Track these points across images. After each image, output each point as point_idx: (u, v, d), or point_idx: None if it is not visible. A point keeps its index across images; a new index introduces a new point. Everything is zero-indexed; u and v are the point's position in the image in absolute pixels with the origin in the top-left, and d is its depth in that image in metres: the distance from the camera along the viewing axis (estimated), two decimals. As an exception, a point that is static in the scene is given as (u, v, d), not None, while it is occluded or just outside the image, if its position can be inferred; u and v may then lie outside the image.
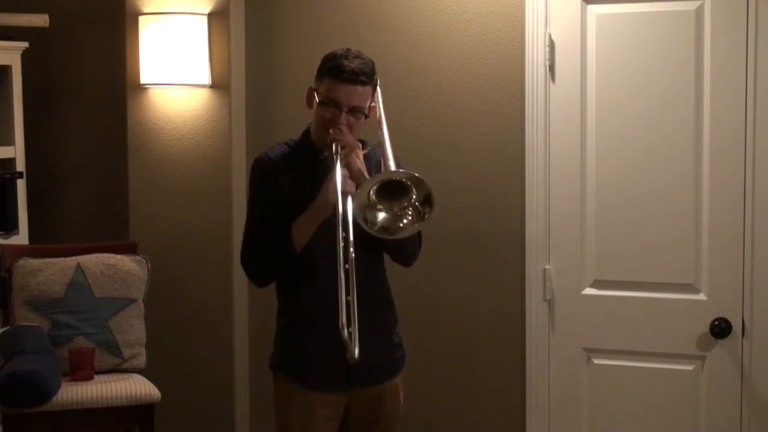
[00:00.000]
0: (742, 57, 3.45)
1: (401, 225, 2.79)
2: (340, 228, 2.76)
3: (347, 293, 2.76)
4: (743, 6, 3.44)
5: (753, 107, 3.45)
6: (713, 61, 3.49)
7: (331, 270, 2.80)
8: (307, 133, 3.01)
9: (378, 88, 2.98)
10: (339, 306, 2.72)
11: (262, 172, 2.99)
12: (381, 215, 2.78)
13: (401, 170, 2.81)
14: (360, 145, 2.93)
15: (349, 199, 2.79)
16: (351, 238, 2.77)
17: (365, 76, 2.88)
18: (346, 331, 2.70)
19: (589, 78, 3.64)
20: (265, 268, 2.99)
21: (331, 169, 2.83)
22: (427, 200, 2.75)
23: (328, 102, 2.89)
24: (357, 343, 2.73)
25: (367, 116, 2.93)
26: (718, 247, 3.52)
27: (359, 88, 2.88)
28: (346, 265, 2.77)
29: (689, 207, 3.55)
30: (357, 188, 2.80)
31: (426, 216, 2.77)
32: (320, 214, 2.86)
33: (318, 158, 2.93)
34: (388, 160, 2.83)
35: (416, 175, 2.75)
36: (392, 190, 2.77)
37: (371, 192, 2.75)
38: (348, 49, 2.92)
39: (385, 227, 2.78)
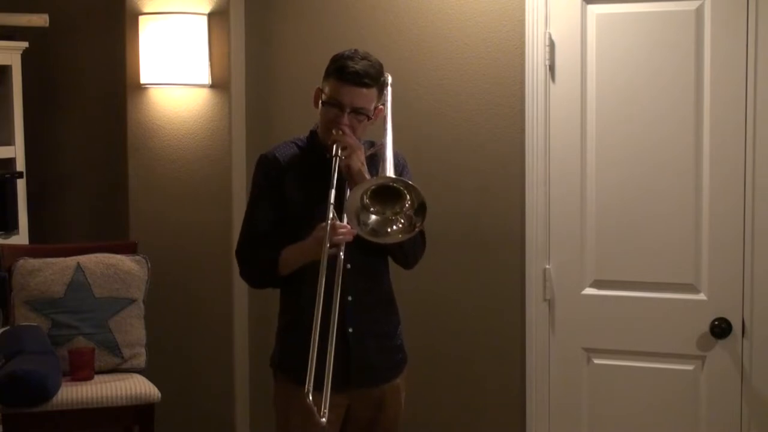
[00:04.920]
0: (742, 57, 3.45)
1: (389, 230, 2.78)
2: (323, 272, 2.73)
3: (324, 345, 2.70)
4: (743, 6, 3.44)
5: (753, 107, 3.45)
6: (713, 61, 3.49)
7: (331, 269, 2.79)
8: (314, 133, 3.01)
9: (389, 89, 2.98)
10: (308, 367, 2.65)
11: (266, 170, 2.98)
12: (373, 218, 2.78)
13: (394, 177, 2.79)
14: (362, 146, 2.91)
15: (341, 247, 2.79)
16: (339, 292, 2.75)
17: (370, 79, 2.87)
18: (310, 396, 2.62)
19: (589, 78, 3.64)
20: (255, 281, 3.04)
21: (335, 171, 2.82)
22: (420, 210, 2.74)
23: (331, 102, 2.88)
24: (327, 405, 2.65)
25: (371, 119, 2.92)
26: (718, 247, 3.52)
27: (363, 90, 2.86)
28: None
29: (689, 207, 3.55)
30: (358, 186, 2.79)
31: (417, 226, 2.76)
32: (309, 255, 2.84)
33: (324, 159, 2.91)
34: (387, 164, 2.82)
35: (409, 182, 2.75)
36: (387, 195, 2.76)
37: (365, 196, 2.75)
38: (355, 50, 2.91)
39: (375, 230, 2.78)
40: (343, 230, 2.79)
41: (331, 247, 2.77)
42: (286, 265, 2.91)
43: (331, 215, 2.77)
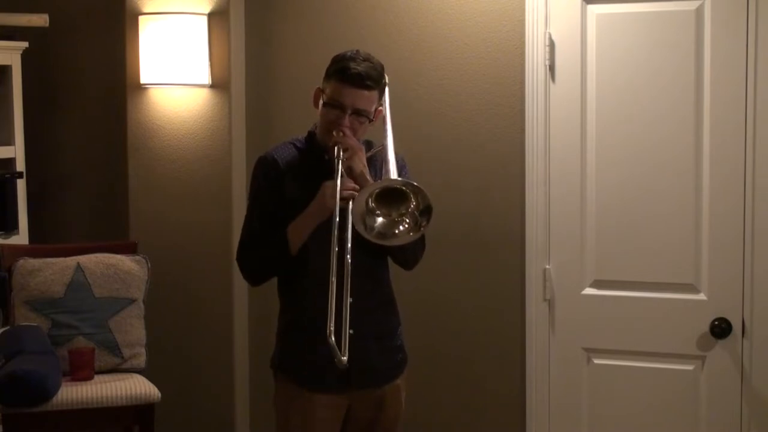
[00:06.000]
0: (742, 57, 3.45)
1: (397, 232, 2.77)
2: (336, 232, 2.73)
3: (341, 297, 2.72)
4: (743, 6, 3.44)
5: (753, 107, 3.45)
6: (713, 61, 3.49)
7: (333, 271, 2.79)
8: (312, 133, 3.00)
9: (386, 90, 2.97)
10: (328, 311, 2.68)
11: (266, 172, 2.97)
12: (379, 220, 2.76)
13: (400, 179, 2.78)
14: (362, 148, 2.90)
15: (350, 202, 2.76)
16: (349, 243, 2.74)
17: (371, 81, 2.85)
18: (333, 337, 2.65)
19: (589, 78, 3.64)
20: (260, 269, 2.98)
21: (338, 173, 2.80)
22: (425, 210, 2.73)
23: (332, 104, 2.87)
24: (346, 348, 2.68)
25: (371, 120, 2.91)
26: (718, 247, 3.52)
27: (365, 92, 2.85)
28: (337, 267, 2.73)
29: (689, 207, 3.55)
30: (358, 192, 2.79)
31: (423, 226, 2.75)
32: (317, 216, 2.84)
33: (323, 160, 2.91)
34: (390, 166, 2.81)
35: (415, 184, 2.73)
36: (392, 197, 2.75)
37: (370, 199, 2.74)
38: (357, 51, 2.89)
39: (382, 233, 2.76)
40: (350, 184, 2.79)
41: (340, 201, 2.76)
42: (295, 234, 2.87)
43: (339, 177, 2.77)
